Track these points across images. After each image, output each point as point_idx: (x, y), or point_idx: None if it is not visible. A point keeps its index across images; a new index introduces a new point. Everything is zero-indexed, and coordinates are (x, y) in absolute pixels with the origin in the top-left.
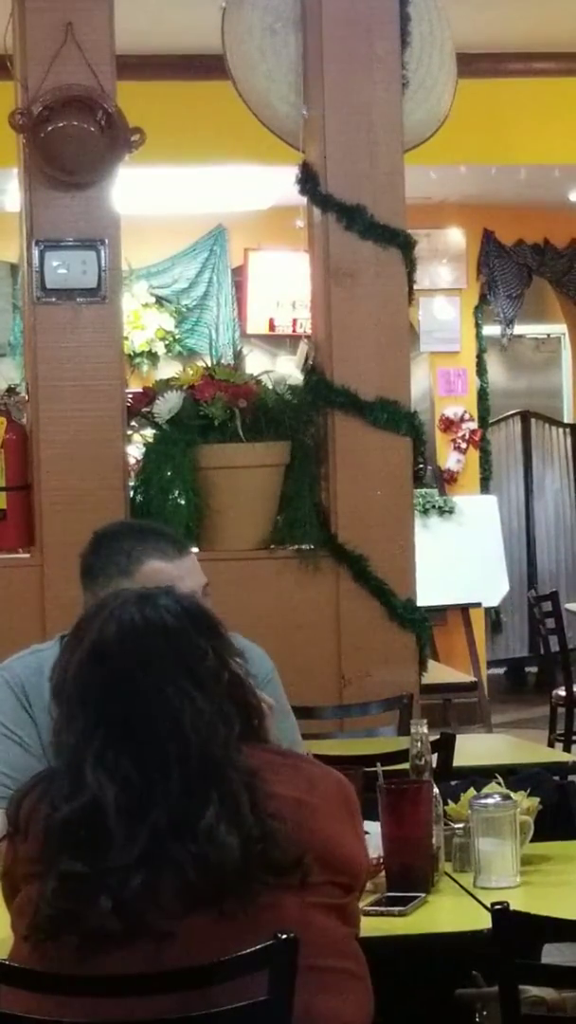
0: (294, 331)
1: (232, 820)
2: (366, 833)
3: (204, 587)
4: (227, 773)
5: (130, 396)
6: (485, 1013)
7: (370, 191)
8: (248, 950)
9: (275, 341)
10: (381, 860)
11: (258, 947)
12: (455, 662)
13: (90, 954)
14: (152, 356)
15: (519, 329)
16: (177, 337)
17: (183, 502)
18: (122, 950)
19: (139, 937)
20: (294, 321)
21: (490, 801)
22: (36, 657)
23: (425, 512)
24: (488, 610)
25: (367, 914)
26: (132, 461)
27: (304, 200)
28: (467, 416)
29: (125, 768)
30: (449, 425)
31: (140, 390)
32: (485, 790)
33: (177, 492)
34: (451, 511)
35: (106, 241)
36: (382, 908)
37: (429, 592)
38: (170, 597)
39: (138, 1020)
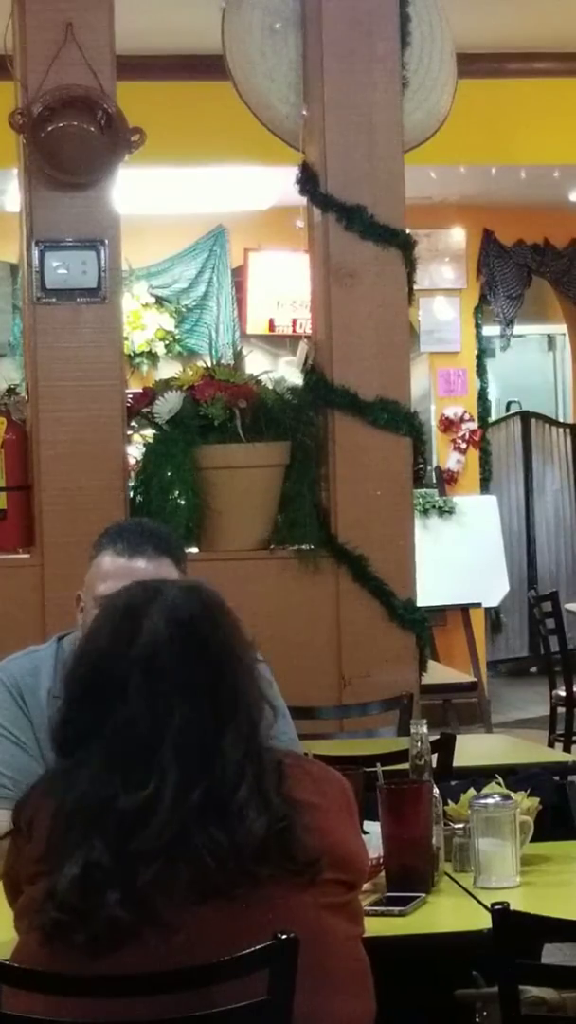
0: (294, 331)
1: (262, 802)
2: (366, 833)
3: None
4: (264, 754)
5: (130, 396)
6: (485, 1013)
7: (370, 191)
8: (248, 950)
9: (275, 341)
10: (381, 860)
11: (258, 947)
12: (455, 662)
13: (100, 950)
14: (152, 356)
15: (519, 329)
16: (177, 337)
17: (183, 502)
18: (131, 945)
19: (147, 930)
20: (294, 321)
21: (490, 801)
22: (31, 658)
23: (425, 512)
24: (488, 610)
25: (367, 914)
26: (132, 461)
27: (304, 200)
28: (467, 416)
29: (193, 747)
30: (449, 425)
31: (140, 390)
32: (485, 790)
33: (177, 492)
34: (451, 511)
35: (106, 241)
36: (382, 908)
37: (429, 592)
38: None
39: (138, 1020)
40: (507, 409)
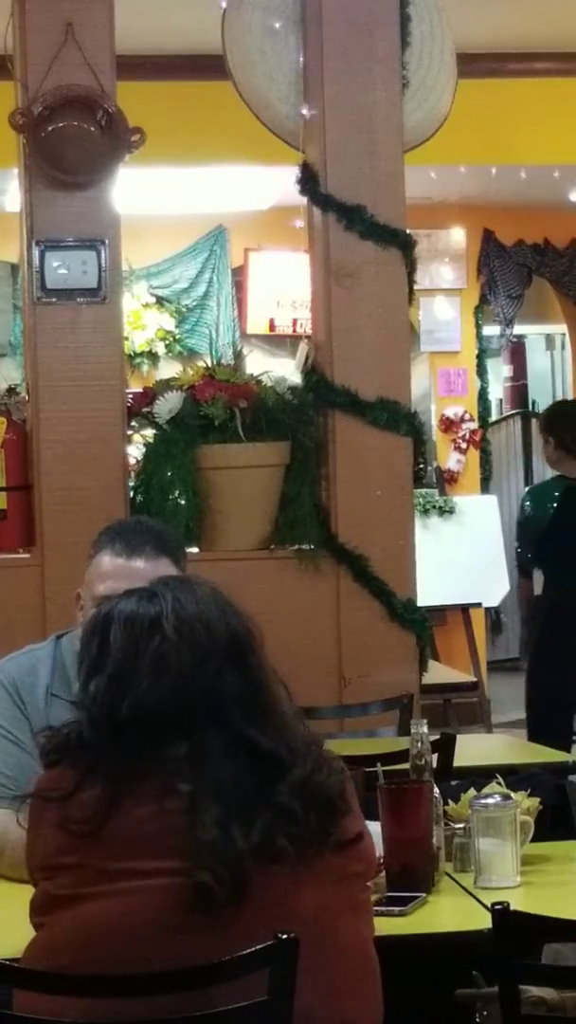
0: (294, 331)
1: (320, 768)
2: None
3: None
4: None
5: (130, 396)
6: (485, 1013)
7: (370, 191)
8: (247, 950)
9: (275, 341)
10: (381, 860)
11: (257, 947)
12: (455, 662)
13: (230, 902)
14: (152, 356)
15: (519, 329)
16: (177, 337)
17: (183, 502)
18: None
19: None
20: (294, 321)
21: (490, 801)
22: (29, 657)
23: (425, 512)
24: (488, 610)
25: None
26: (132, 461)
27: (304, 200)
28: (467, 416)
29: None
30: (449, 425)
31: (140, 390)
32: (485, 790)
33: (177, 492)
34: (451, 511)
35: (106, 241)
36: (382, 908)
37: (429, 592)
38: None
39: (138, 1019)
40: (532, 407)
